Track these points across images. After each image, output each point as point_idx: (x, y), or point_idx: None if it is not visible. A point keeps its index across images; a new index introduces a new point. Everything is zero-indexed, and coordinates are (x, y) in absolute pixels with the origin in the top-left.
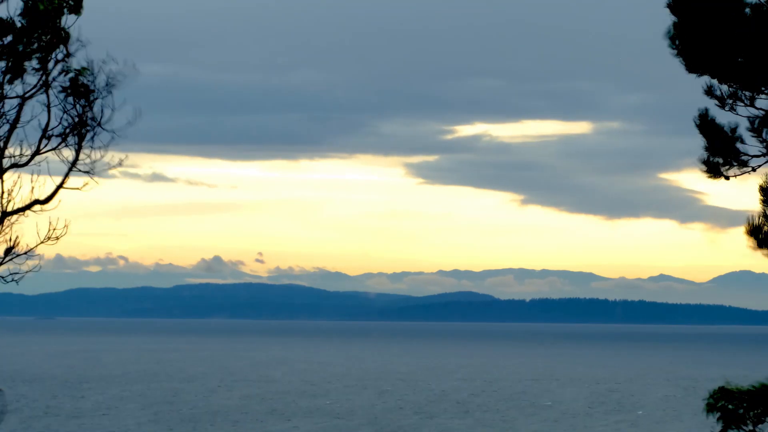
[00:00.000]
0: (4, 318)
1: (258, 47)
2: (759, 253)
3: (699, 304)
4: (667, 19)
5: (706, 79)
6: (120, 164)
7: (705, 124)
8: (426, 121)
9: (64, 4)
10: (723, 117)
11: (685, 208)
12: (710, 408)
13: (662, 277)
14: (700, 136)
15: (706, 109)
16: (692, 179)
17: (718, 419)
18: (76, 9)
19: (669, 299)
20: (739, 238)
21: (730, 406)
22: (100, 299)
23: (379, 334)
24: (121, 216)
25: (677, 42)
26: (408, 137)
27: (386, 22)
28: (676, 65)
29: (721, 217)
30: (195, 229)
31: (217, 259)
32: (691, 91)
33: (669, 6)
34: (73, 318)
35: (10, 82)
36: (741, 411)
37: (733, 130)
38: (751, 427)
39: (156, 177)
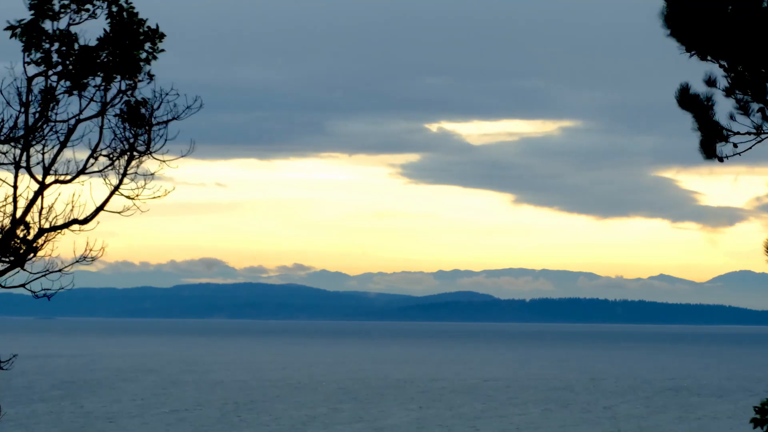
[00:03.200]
0: (4, 318)
1: (215, 44)
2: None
3: (699, 304)
4: (634, 17)
5: (705, 69)
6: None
7: (686, 98)
8: (395, 119)
9: (141, 31)
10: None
11: (676, 208)
12: (759, 419)
13: (662, 277)
14: (684, 119)
15: (687, 83)
16: (681, 177)
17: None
18: (152, 39)
19: (669, 299)
20: (736, 237)
21: None
22: (99, 299)
23: (379, 333)
24: (118, 215)
25: (670, 24)
26: (377, 136)
27: (349, 20)
28: (643, 64)
29: (713, 216)
30: (193, 228)
31: (216, 260)
32: (653, 89)
33: None
34: (72, 318)
35: (69, 93)
36: None
37: (708, 98)
38: None
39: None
